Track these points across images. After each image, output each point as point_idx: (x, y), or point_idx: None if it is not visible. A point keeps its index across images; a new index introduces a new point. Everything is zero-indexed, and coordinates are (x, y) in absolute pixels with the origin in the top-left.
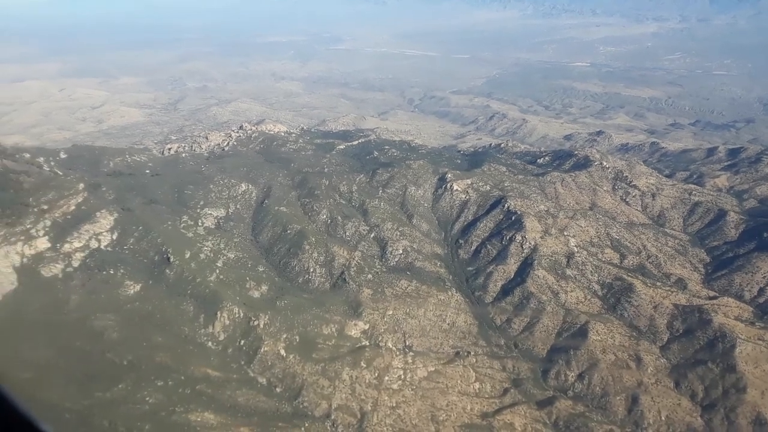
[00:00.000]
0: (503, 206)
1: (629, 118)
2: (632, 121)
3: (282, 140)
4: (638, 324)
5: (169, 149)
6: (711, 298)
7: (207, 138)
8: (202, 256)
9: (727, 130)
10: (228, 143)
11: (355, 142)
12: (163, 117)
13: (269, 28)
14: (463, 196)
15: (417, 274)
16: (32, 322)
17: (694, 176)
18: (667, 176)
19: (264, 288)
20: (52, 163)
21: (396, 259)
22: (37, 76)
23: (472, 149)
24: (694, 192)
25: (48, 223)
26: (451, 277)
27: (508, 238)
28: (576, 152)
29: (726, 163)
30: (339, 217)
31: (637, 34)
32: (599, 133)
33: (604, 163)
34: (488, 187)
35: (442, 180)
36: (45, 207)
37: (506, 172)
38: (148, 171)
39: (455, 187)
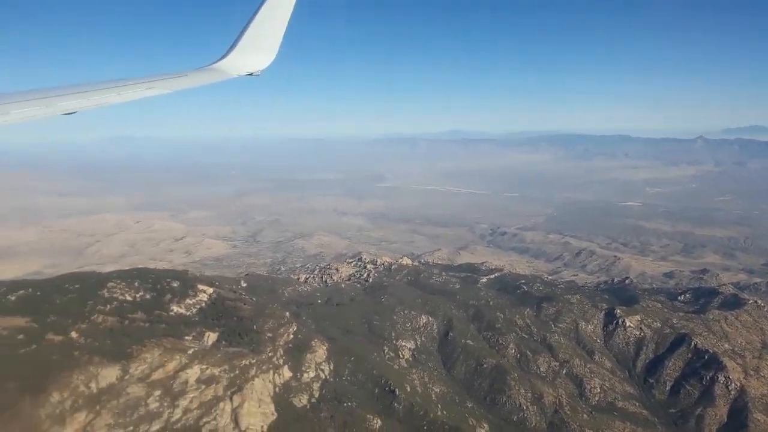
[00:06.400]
0: (689, 344)
1: (719, 257)
2: (724, 260)
3: (427, 273)
4: None
5: (298, 278)
6: None
7: (338, 270)
8: (418, 389)
9: None
10: (368, 275)
11: (493, 276)
12: (249, 249)
13: (309, 166)
14: (638, 333)
15: (622, 414)
16: None
17: None
18: None
19: (486, 426)
20: (242, 293)
21: (596, 398)
22: (107, 209)
23: (594, 285)
24: None
25: (281, 351)
26: (656, 419)
27: (708, 378)
28: (720, 290)
29: None
30: (528, 352)
31: (677, 176)
32: (704, 271)
33: (759, 302)
34: (659, 324)
35: (610, 315)
36: (269, 335)
37: (664, 309)
38: (319, 300)
39: (627, 323)
